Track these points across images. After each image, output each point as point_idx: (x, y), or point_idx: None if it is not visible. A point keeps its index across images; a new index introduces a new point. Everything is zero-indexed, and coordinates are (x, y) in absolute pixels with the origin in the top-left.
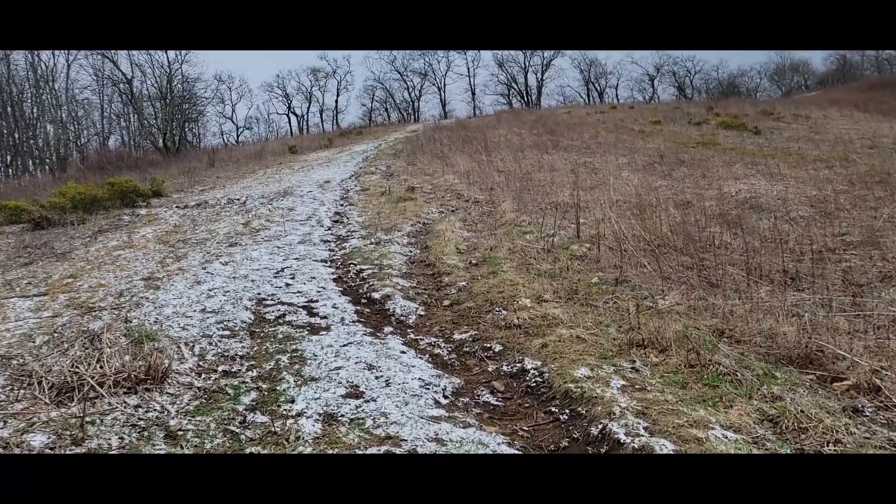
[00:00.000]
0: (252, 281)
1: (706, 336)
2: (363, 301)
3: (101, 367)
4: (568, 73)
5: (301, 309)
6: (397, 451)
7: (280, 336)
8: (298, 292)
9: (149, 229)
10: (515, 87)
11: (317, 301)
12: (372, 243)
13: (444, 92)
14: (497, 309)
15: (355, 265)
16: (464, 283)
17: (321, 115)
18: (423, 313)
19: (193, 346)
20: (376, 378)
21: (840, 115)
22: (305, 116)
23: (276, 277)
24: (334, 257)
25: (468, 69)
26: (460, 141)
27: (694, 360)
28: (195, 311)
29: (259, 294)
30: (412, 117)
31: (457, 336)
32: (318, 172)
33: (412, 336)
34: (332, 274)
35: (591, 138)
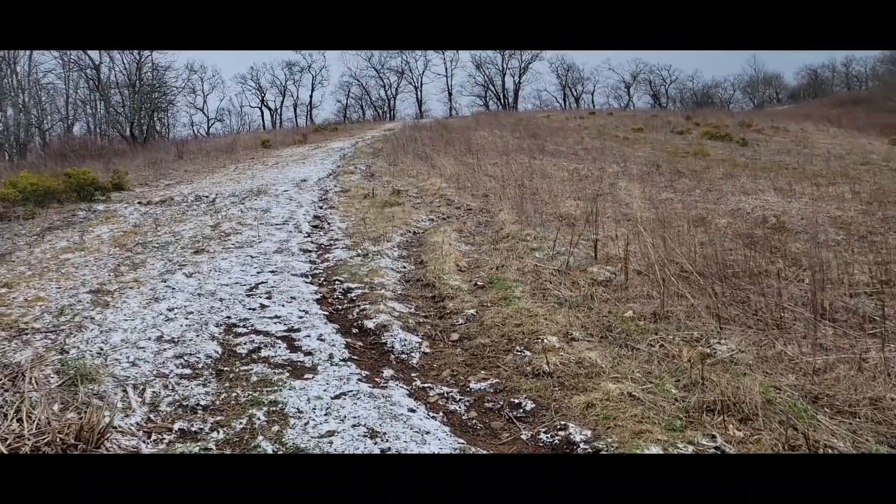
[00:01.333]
0: (220, 300)
1: (796, 402)
2: (354, 331)
3: (19, 422)
4: (545, 77)
5: (280, 340)
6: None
7: (254, 379)
8: (276, 317)
9: (105, 228)
10: (492, 88)
11: (299, 330)
12: (359, 255)
13: (421, 91)
14: (518, 348)
15: (341, 283)
16: (472, 312)
17: (295, 109)
18: (428, 350)
19: (144, 389)
20: (382, 452)
21: (816, 130)
22: (279, 110)
23: (248, 296)
24: (316, 271)
25: (446, 69)
26: (442, 142)
27: (793, 437)
28: (150, 338)
29: (229, 318)
30: (388, 115)
31: (474, 385)
32: (294, 170)
33: (419, 384)
34: (315, 293)
35: (576, 143)
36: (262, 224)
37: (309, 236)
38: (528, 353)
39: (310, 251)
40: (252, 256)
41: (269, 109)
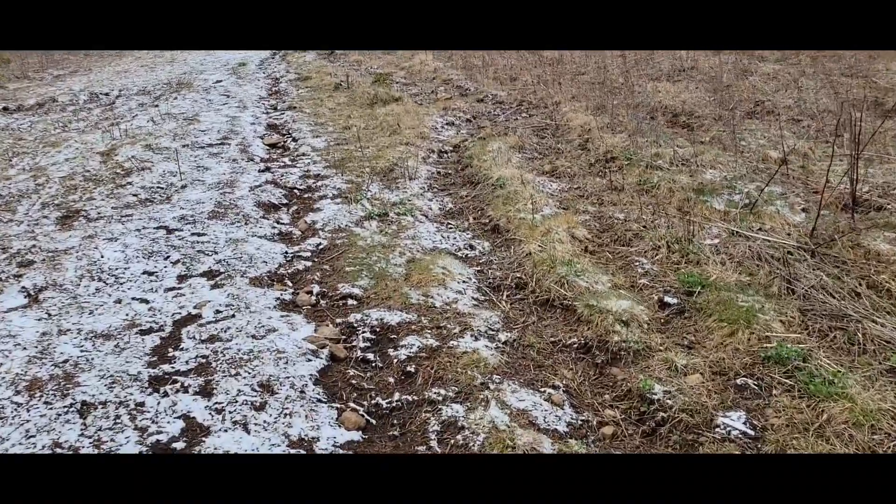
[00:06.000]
0: (86, 404)
1: None
2: None
3: None
4: None
5: None
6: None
7: None
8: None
9: None
10: None
11: None
12: (370, 217)
13: None
14: None
15: (359, 305)
16: (740, 426)
17: None
18: None
19: None
20: None
21: None
22: None
23: (157, 380)
24: (299, 264)
25: None
26: None
27: None
28: None
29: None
30: None
31: None
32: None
33: None
34: (311, 352)
35: None
36: (188, 146)
37: (267, 169)
38: None
39: (275, 207)
40: (169, 230)
41: None
